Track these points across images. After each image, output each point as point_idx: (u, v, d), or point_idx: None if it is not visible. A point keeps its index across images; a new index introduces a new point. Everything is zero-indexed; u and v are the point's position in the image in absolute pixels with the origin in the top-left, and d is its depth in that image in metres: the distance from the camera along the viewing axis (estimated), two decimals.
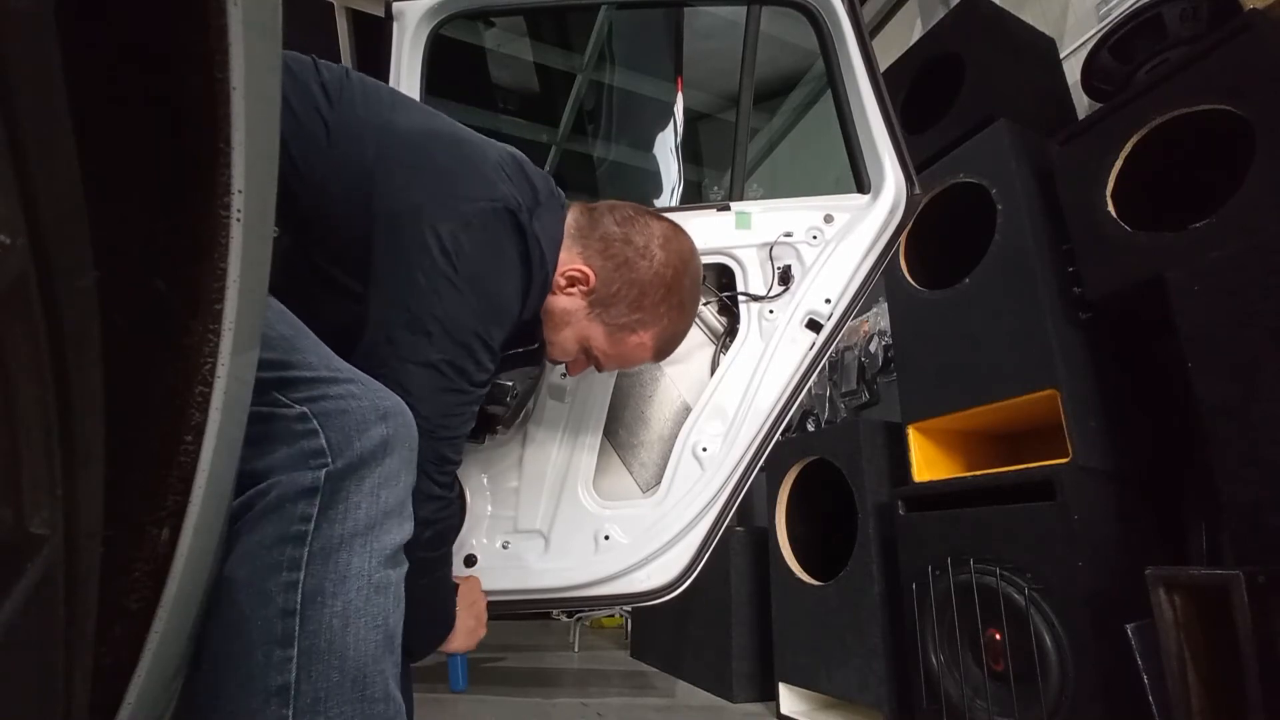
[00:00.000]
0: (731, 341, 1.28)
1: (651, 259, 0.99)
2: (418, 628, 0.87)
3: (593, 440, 1.26)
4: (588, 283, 0.98)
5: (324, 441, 0.58)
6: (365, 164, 0.86)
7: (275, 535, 0.56)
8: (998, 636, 1.28)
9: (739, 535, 2.17)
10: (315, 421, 0.58)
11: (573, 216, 1.01)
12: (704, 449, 1.20)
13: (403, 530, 0.64)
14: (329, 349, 0.68)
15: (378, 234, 0.85)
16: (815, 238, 1.28)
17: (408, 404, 0.80)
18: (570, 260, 0.99)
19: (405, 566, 0.65)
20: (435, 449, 0.81)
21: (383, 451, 0.61)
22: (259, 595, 0.55)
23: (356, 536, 0.59)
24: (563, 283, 0.99)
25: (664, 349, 1.07)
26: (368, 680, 0.58)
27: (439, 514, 0.85)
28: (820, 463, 1.84)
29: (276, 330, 0.63)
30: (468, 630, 1.01)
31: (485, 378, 0.89)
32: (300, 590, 0.56)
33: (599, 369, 1.09)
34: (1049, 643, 1.19)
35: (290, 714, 0.54)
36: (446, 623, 0.97)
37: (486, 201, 0.87)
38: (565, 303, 1.00)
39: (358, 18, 3.20)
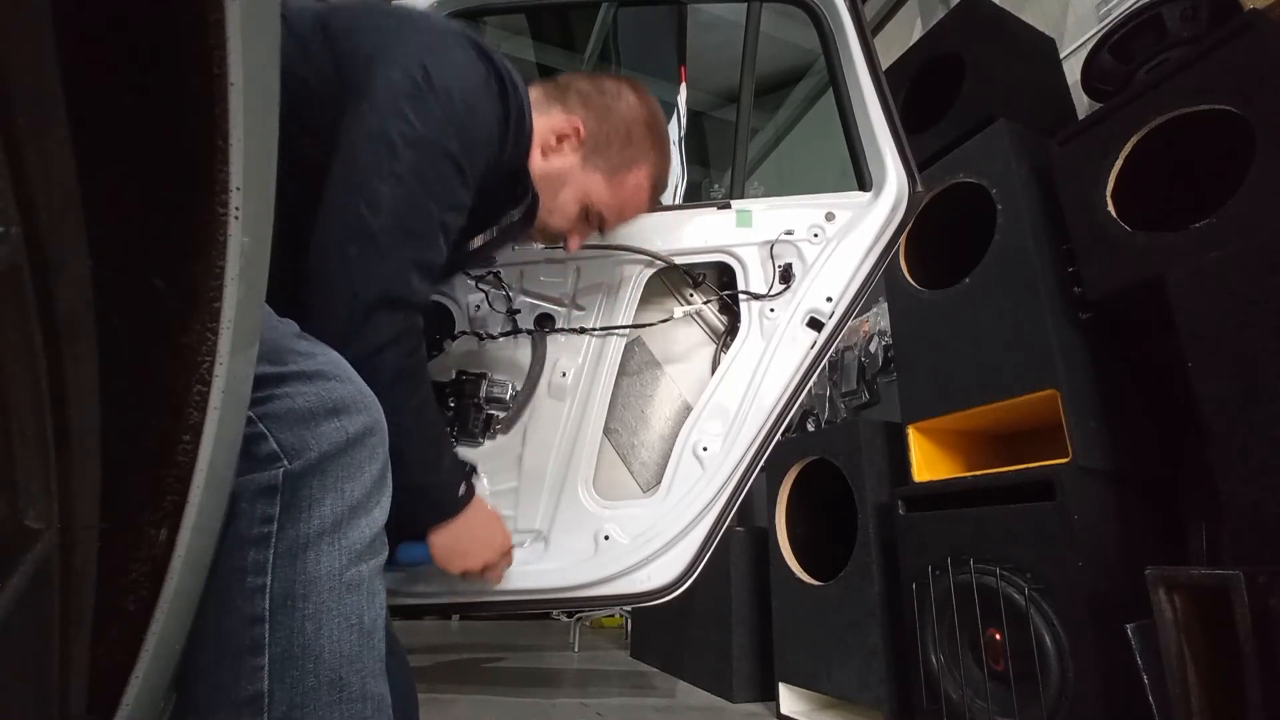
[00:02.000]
0: (732, 340, 1.28)
1: (627, 99, 1.05)
2: (402, 492, 0.73)
3: (593, 440, 1.25)
4: (578, 135, 1.02)
5: (275, 445, 0.55)
6: (321, 33, 0.85)
7: (237, 538, 0.53)
8: (998, 636, 1.28)
9: (739, 535, 2.16)
10: (261, 425, 0.55)
11: (539, 89, 1.04)
12: (705, 448, 1.20)
13: (372, 520, 0.62)
14: (277, 324, 0.62)
15: (347, 92, 0.84)
16: (816, 236, 1.28)
17: (370, 221, 0.79)
18: (552, 120, 1.01)
19: (382, 556, 0.63)
20: (390, 286, 0.79)
21: (344, 446, 0.59)
22: (222, 603, 0.52)
23: (324, 535, 0.57)
24: (553, 142, 1.01)
25: (658, 188, 1.11)
26: (344, 681, 0.56)
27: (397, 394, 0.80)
28: (820, 463, 1.84)
29: None
30: (484, 539, 0.97)
31: (454, 201, 0.87)
32: (269, 595, 0.54)
33: (602, 230, 1.10)
34: (1049, 643, 1.18)
35: None
36: (437, 487, 0.91)
37: (447, 33, 0.89)
38: (558, 162, 1.02)
39: None
